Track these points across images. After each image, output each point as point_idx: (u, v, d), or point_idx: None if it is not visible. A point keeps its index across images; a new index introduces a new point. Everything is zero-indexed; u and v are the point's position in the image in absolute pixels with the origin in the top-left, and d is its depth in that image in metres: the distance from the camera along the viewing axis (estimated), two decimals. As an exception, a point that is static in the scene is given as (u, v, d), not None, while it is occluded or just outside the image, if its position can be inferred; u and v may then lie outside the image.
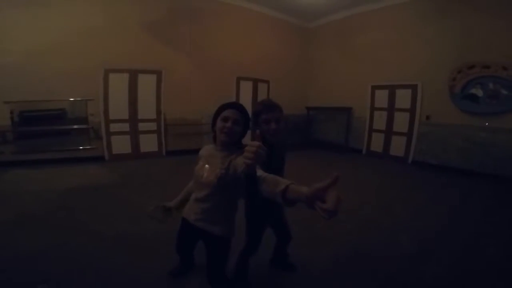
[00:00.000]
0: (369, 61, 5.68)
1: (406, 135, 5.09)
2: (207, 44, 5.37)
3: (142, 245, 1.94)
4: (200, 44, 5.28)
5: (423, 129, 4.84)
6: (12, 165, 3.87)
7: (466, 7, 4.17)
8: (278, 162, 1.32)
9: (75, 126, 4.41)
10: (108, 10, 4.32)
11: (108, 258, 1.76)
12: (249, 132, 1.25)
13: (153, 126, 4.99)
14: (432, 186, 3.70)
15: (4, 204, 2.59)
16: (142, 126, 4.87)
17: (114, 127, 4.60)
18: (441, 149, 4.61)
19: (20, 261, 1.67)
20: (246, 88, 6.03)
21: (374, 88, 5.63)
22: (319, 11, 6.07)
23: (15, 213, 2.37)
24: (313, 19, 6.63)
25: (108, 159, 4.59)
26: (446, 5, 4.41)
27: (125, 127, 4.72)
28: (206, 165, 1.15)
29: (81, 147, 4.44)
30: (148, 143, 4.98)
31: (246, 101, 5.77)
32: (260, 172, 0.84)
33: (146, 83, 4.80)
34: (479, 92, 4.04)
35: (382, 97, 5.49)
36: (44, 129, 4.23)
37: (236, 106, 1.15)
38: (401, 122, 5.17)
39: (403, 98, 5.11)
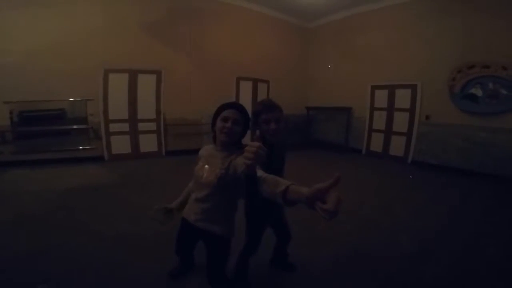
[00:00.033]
0: (369, 61, 5.68)
1: (406, 135, 5.09)
2: (207, 44, 5.37)
3: (142, 245, 1.94)
4: (200, 44, 5.28)
5: (422, 129, 4.84)
6: (11, 165, 3.86)
7: (466, 7, 4.17)
8: (278, 162, 1.32)
9: (75, 126, 4.41)
10: (108, 10, 4.32)
11: (108, 258, 1.76)
12: (249, 132, 1.25)
13: (152, 126, 4.99)
14: (432, 186, 3.70)
15: (3, 204, 2.58)
16: (141, 126, 4.87)
17: (113, 127, 4.60)
18: (441, 149, 4.61)
19: (20, 261, 1.67)
20: (246, 88, 6.02)
21: (374, 88, 5.63)
22: (319, 11, 6.06)
23: (14, 213, 2.37)
24: (313, 19, 6.63)
25: (107, 159, 4.59)
26: (445, 5, 4.41)
27: (125, 127, 4.72)
28: (206, 165, 1.15)
29: (80, 147, 4.44)
30: (148, 143, 4.98)
31: (246, 101, 5.77)
32: (260, 173, 0.84)
33: (146, 83, 4.80)
34: (478, 92, 4.04)
35: (381, 97, 5.49)
36: (43, 129, 4.23)
37: (236, 106, 1.15)
38: (400, 122, 5.17)
39: (402, 98, 5.10)
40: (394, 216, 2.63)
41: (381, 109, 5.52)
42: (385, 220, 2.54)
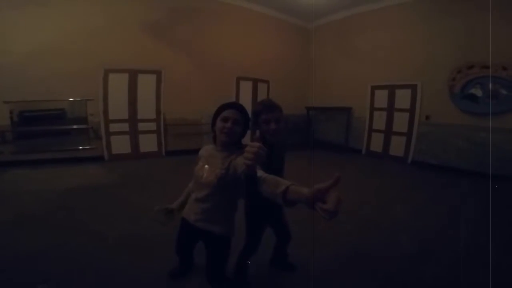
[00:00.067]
0: (369, 61, 5.68)
1: (406, 135, 5.09)
2: (207, 44, 5.37)
3: (142, 245, 1.94)
4: (200, 44, 5.28)
5: (422, 129, 4.84)
6: (11, 165, 3.86)
7: (466, 7, 4.17)
8: (278, 162, 1.32)
9: (75, 126, 4.41)
10: (108, 10, 4.32)
11: (108, 258, 1.76)
12: (249, 132, 1.25)
13: (152, 126, 4.99)
14: (432, 186, 3.70)
15: (3, 204, 2.58)
16: (141, 126, 4.87)
17: (113, 127, 4.60)
18: (441, 149, 4.61)
19: (20, 261, 1.67)
20: (246, 88, 6.03)
21: (374, 88, 5.63)
22: (319, 11, 6.06)
23: (14, 213, 2.36)
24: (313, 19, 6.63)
25: (107, 159, 4.59)
26: (445, 5, 4.41)
27: (125, 127, 4.71)
28: (206, 166, 1.14)
29: (80, 147, 4.44)
30: (148, 143, 4.98)
31: (246, 101, 5.77)
32: (260, 173, 0.83)
33: (146, 83, 4.80)
34: (478, 92, 4.05)
35: (381, 97, 5.49)
36: (43, 129, 4.23)
37: (236, 106, 1.15)
38: (400, 122, 5.17)
39: (402, 98, 5.11)
40: (394, 216, 2.63)
41: (381, 109, 5.52)
42: (385, 220, 2.54)
